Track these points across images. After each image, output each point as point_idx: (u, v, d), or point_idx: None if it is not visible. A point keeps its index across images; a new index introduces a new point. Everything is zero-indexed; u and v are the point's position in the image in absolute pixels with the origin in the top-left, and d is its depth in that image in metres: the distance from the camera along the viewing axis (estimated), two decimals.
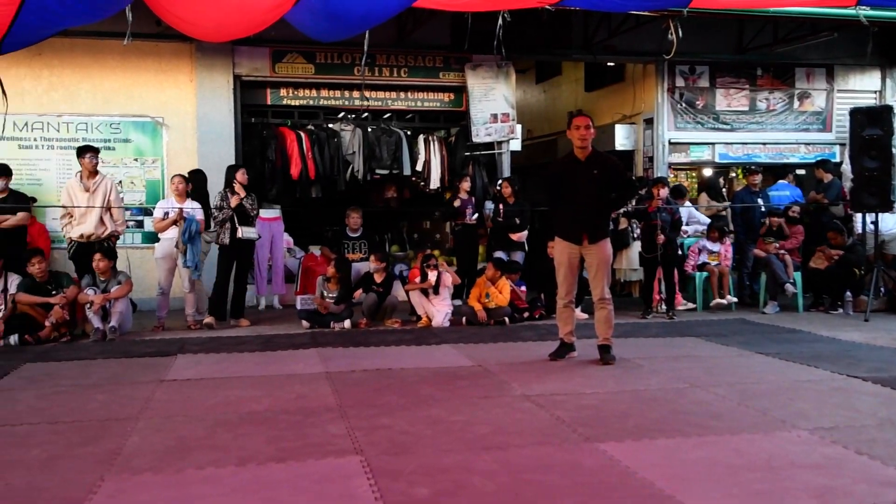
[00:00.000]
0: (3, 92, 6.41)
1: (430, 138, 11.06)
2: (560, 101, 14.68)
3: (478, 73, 10.76)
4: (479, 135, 10.82)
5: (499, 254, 9.65)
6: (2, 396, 5.30)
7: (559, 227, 6.36)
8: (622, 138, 12.06)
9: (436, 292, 8.51)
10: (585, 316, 8.34)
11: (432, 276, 8.45)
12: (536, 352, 6.76)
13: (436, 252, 10.71)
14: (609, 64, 12.36)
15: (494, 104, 10.81)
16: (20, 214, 8.08)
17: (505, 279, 8.67)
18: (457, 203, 9.82)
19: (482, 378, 5.81)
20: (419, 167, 10.87)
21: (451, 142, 11.36)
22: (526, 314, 8.78)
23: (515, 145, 11.15)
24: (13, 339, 7.31)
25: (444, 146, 11.14)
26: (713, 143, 11.90)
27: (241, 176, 8.27)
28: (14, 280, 7.63)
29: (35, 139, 9.49)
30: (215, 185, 8.57)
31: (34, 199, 8.98)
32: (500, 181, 10.15)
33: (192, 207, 8.28)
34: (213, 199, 8.34)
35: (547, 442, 4.15)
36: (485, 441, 4.17)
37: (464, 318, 8.53)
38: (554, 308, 7.01)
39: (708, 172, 12.70)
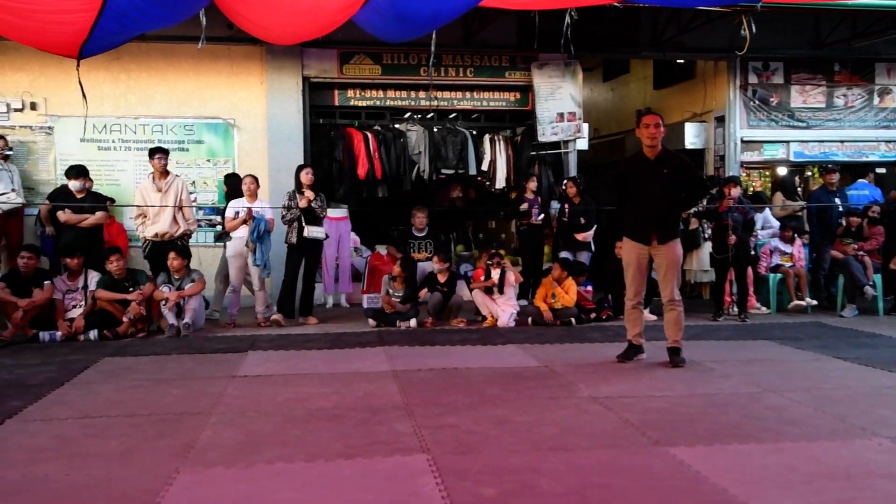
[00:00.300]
0: (84, 95, 6.63)
1: (496, 138, 11.03)
2: (628, 100, 14.48)
3: (544, 72, 10.68)
4: (546, 134, 10.75)
5: (564, 254, 9.57)
6: (83, 389, 5.49)
7: (627, 227, 6.27)
8: (692, 137, 11.82)
9: (500, 291, 8.49)
10: (654, 317, 8.20)
11: (495, 273, 8.42)
12: (604, 353, 6.68)
13: (501, 252, 10.67)
14: (679, 61, 12.12)
15: (561, 103, 10.72)
16: (98, 214, 8.35)
17: (571, 279, 8.59)
18: (523, 206, 9.77)
19: (548, 379, 5.77)
20: (485, 167, 10.87)
21: (517, 141, 11.31)
22: (593, 315, 8.68)
23: (582, 144, 11.04)
24: (93, 334, 7.57)
25: (509, 146, 11.10)
26: (788, 141, 11.57)
27: (304, 176, 8.39)
28: (94, 277, 7.90)
29: (113, 141, 9.81)
30: (285, 186, 8.71)
31: (112, 200, 9.28)
32: (565, 181, 10.07)
33: (262, 207, 8.44)
34: (283, 199, 8.47)
35: (615, 445, 4.09)
36: (552, 442, 4.13)
37: (529, 319, 8.48)
38: (622, 309, 6.91)
39: (782, 171, 12.34)
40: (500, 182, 10.95)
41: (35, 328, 7.54)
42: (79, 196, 8.30)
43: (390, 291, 8.49)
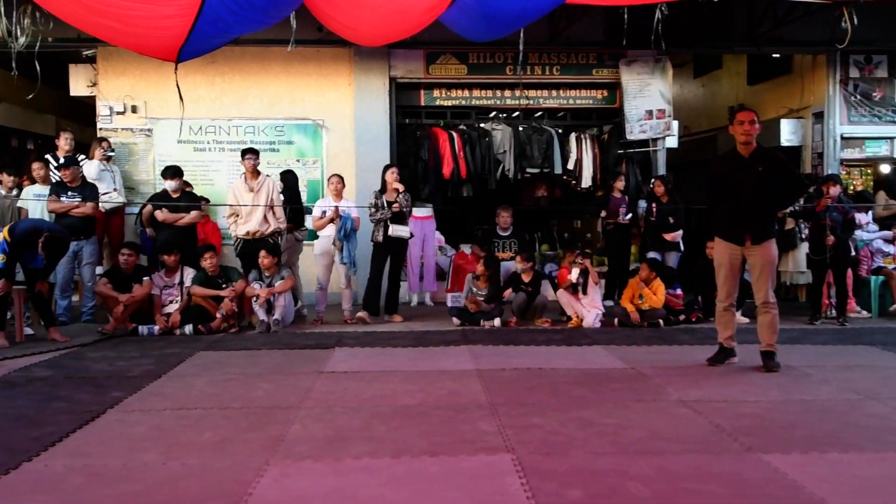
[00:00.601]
0: (181, 98, 6.88)
1: (583, 136, 10.91)
2: (720, 96, 14.05)
3: (632, 69, 10.49)
4: (634, 132, 10.56)
5: (652, 254, 9.38)
6: (178, 382, 5.69)
7: (720, 227, 6.09)
8: (788, 133, 11.38)
9: (584, 292, 8.37)
10: (746, 320, 7.94)
11: (574, 271, 8.31)
12: (693, 356, 6.51)
13: (586, 251, 10.54)
14: (775, 56, 11.70)
15: (650, 100, 10.51)
16: (193, 213, 8.66)
17: (659, 280, 8.41)
18: (604, 213, 9.57)
19: (636, 381, 5.66)
20: (570, 165, 10.77)
21: (604, 140, 11.16)
22: (682, 317, 8.47)
23: (671, 142, 10.79)
24: (188, 328, 7.84)
25: (596, 144, 10.96)
26: (892, 138, 11.02)
27: (390, 176, 8.47)
28: (189, 274, 8.18)
29: (208, 142, 10.14)
30: (372, 185, 8.82)
31: (207, 200, 9.59)
32: (653, 179, 9.87)
33: (348, 206, 8.58)
34: (369, 199, 8.58)
35: (706, 450, 3.98)
36: (639, 446, 4.05)
37: (616, 320, 8.35)
38: (712, 311, 6.72)
39: (886, 169, 11.75)
40: (587, 181, 10.82)
41: (134, 322, 7.87)
42: (174, 196, 8.61)
43: (474, 290, 8.50)
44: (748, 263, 6.00)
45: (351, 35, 6.77)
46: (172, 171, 8.64)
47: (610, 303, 9.23)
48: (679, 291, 8.86)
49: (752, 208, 5.85)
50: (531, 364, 6.26)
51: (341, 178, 8.69)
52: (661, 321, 8.23)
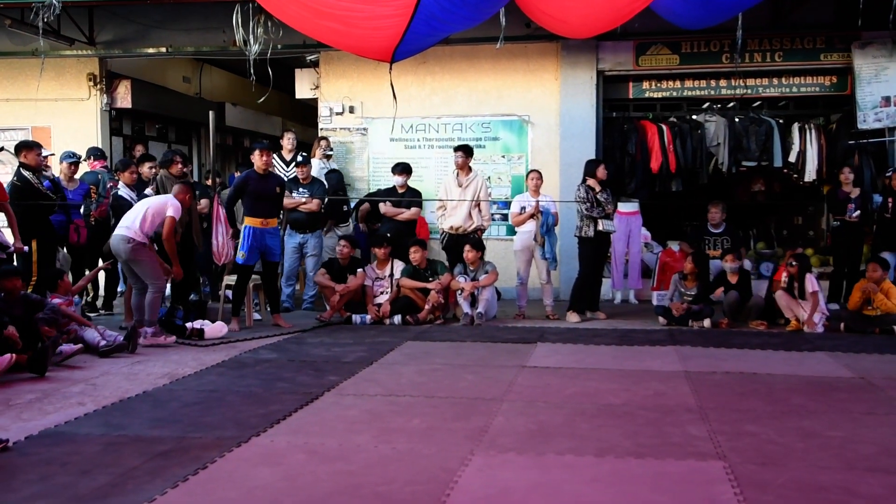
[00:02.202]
0: (395, 97, 7.18)
1: (807, 126, 10.12)
2: None
3: (867, 52, 9.58)
4: (867, 120, 9.64)
5: (886, 254, 8.51)
6: (388, 370, 5.95)
7: None
8: None
9: (801, 296, 7.77)
10: None
11: (783, 276, 7.74)
12: None
13: (808, 251, 9.81)
14: None
15: (887, 86, 9.53)
16: (413, 209, 9.05)
17: (890, 282, 7.64)
18: (830, 188, 8.80)
19: (865, 392, 5.18)
20: (792, 158, 10.03)
21: (831, 129, 10.29)
22: None
23: None
24: (397, 318, 8.18)
25: (822, 134, 10.12)
26: None
27: (601, 172, 8.33)
28: (399, 267, 8.54)
29: (418, 140, 10.51)
30: (577, 180, 8.73)
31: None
32: (889, 172, 8.96)
33: (547, 201, 8.54)
34: (574, 193, 8.49)
35: None
36: (870, 462, 3.71)
37: (842, 324, 7.68)
38: None
39: None
40: (810, 174, 10.02)
41: (349, 311, 8.33)
42: (400, 191, 9.08)
43: (681, 290, 8.17)
44: None
45: (561, 28, 6.72)
46: (401, 168, 9.11)
47: (834, 306, 8.52)
48: None
49: None
50: (745, 368, 5.91)
51: (540, 174, 8.68)
52: (894, 327, 7.47)
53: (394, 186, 9.25)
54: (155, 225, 7.13)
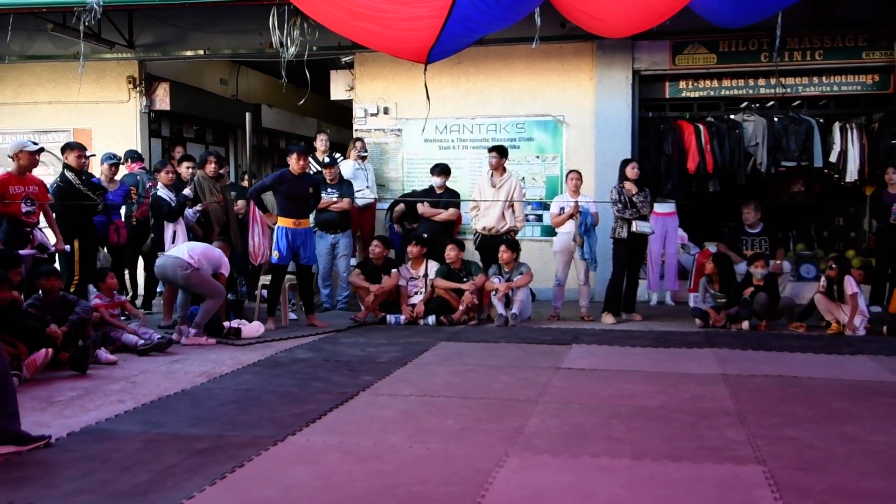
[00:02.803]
0: (428, 98, 7.17)
1: (848, 126, 9.93)
2: None
3: None
4: None
5: None
6: (423, 370, 5.96)
7: None
8: None
9: (840, 299, 7.62)
10: None
11: (822, 280, 7.60)
12: None
13: (849, 253, 9.63)
14: None
15: None
16: (451, 210, 9.07)
17: None
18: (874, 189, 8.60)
19: None
20: (833, 158, 9.84)
21: (874, 129, 10.08)
22: None
23: None
24: (431, 319, 8.19)
25: (864, 134, 9.92)
26: None
27: (630, 171, 8.26)
28: (433, 267, 8.54)
29: (452, 140, 10.50)
30: (612, 181, 8.66)
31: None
32: None
33: (586, 201, 8.49)
34: (609, 194, 8.43)
35: None
36: None
37: (885, 328, 7.52)
38: None
39: None
40: (852, 175, 9.82)
41: (383, 311, 8.35)
42: (438, 192, 9.13)
43: (711, 292, 8.07)
44: None
45: (597, 27, 6.66)
46: (440, 169, 9.16)
47: (877, 308, 8.35)
48: None
49: None
50: (784, 371, 5.82)
51: (579, 175, 8.63)
52: None
53: (430, 187, 9.28)
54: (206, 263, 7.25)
